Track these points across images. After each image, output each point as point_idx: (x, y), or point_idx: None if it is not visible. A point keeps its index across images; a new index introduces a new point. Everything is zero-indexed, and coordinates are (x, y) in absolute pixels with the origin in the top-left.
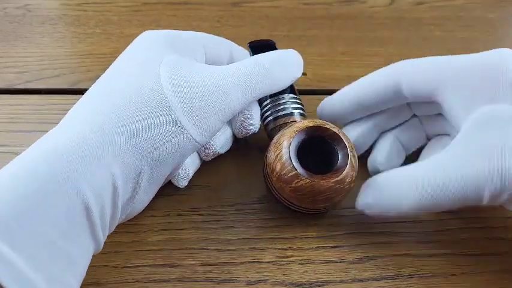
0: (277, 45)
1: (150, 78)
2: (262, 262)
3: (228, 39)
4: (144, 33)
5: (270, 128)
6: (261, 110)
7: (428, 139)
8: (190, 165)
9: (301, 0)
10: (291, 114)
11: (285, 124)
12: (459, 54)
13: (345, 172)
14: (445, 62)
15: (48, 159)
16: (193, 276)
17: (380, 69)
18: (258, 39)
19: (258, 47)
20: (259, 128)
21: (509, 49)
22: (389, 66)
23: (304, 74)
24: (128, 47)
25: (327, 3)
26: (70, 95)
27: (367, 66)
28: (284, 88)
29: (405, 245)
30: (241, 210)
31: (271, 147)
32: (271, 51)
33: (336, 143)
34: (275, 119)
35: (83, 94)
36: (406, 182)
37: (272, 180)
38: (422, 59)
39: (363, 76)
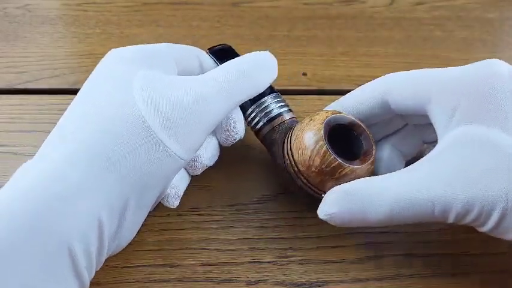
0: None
1: (124, 100)
2: (262, 262)
3: (228, 39)
4: (110, 51)
5: (265, 132)
6: (248, 116)
7: (426, 142)
8: (179, 183)
9: (301, 0)
10: (281, 114)
11: (279, 125)
12: (459, 54)
13: (374, 153)
14: (430, 76)
15: (25, 199)
16: (193, 276)
17: (366, 84)
18: (214, 45)
19: (219, 52)
20: (245, 132)
21: (498, 62)
22: (375, 80)
23: (304, 74)
24: (96, 68)
25: (327, 3)
26: (70, 95)
27: (367, 66)
28: (264, 90)
29: (405, 245)
30: (241, 210)
31: (299, 145)
32: (246, 55)
33: (356, 129)
34: (268, 122)
35: None
36: (375, 195)
37: (310, 176)
38: (408, 72)
39: (362, 76)
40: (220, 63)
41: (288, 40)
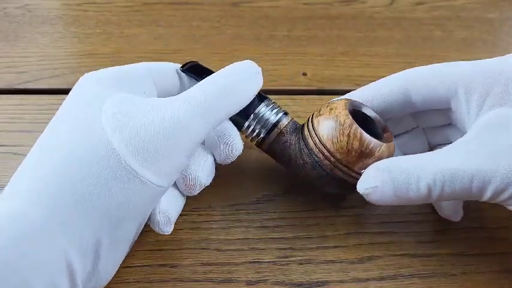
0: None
1: (93, 127)
2: (262, 262)
3: (228, 39)
4: (84, 76)
5: (270, 141)
6: (245, 131)
7: (431, 148)
8: (170, 208)
9: (301, 0)
10: (280, 120)
11: (283, 131)
12: (459, 54)
13: (391, 130)
14: (455, 67)
15: None
16: (193, 276)
17: (389, 76)
18: (185, 62)
19: (194, 69)
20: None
21: None
22: (398, 73)
23: (304, 74)
24: (70, 92)
25: (327, 3)
26: None
27: (367, 66)
28: (253, 99)
29: (405, 245)
30: (241, 210)
31: (332, 134)
32: (225, 68)
33: (365, 109)
34: (269, 132)
35: None
36: (418, 166)
37: (350, 162)
38: (431, 66)
39: (362, 76)
40: (200, 79)
41: (288, 40)
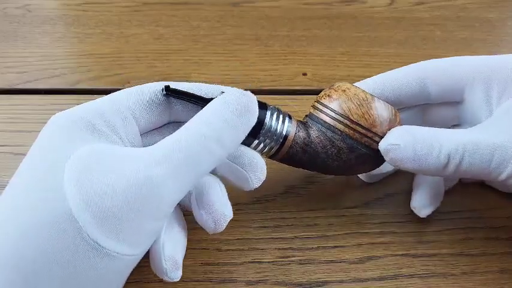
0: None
1: (53, 192)
2: (262, 262)
3: (229, 39)
4: (52, 118)
5: (285, 150)
6: (256, 147)
7: None
8: (175, 251)
9: (301, 0)
10: (289, 127)
11: (298, 136)
12: (459, 54)
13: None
14: (472, 60)
15: None
16: (193, 276)
17: (405, 66)
18: (167, 85)
19: (175, 91)
20: None
21: None
22: (414, 64)
23: (304, 74)
24: (36, 140)
25: (327, 3)
26: (70, 95)
27: (367, 66)
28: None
29: (405, 245)
30: (241, 210)
31: (362, 111)
32: (213, 102)
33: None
34: (281, 144)
35: (83, 94)
36: (441, 134)
37: (384, 132)
38: (447, 58)
39: (363, 76)
40: (186, 97)
41: (288, 40)
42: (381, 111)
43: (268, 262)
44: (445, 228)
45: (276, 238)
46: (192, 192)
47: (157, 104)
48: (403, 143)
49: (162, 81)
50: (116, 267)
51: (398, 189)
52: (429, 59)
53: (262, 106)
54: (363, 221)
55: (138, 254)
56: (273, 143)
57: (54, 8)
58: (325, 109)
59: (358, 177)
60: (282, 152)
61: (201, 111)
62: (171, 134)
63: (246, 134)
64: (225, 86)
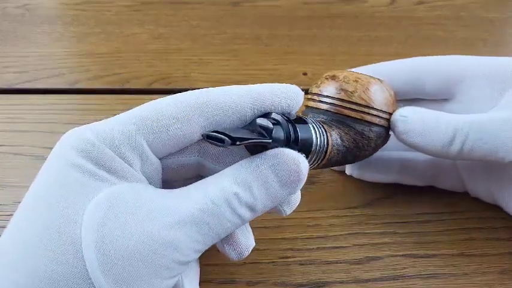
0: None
1: (70, 249)
2: (263, 263)
3: (229, 38)
4: (62, 140)
5: (327, 159)
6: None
7: None
8: (192, 286)
9: (302, 0)
10: (327, 138)
11: (334, 144)
12: (459, 54)
13: None
14: (471, 58)
15: None
16: None
17: (401, 60)
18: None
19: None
20: None
21: None
22: (411, 58)
23: (304, 73)
24: (45, 165)
25: (328, 3)
26: (69, 95)
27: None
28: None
29: (406, 245)
30: None
31: (383, 98)
32: (265, 159)
33: None
34: (324, 156)
35: (82, 94)
36: (449, 115)
37: (395, 110)
38: (442, 56)
39: None
40: (248, 136)
41: (289, 40)
42: (392, 92)
43: (269, 263)
44: (446, 228)
45: (277, 239)
46: None
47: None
48: (410, 116)
49: (161, 80)
50: None
51: (398, 189)
52: None
53: (303, 122)
54: (363, 222)
55: None
56: (319, 159)
57: (54, 7)
58: (346, 104)
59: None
60: (323, 162)
61: (240, 162)
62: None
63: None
64: (261, 84)
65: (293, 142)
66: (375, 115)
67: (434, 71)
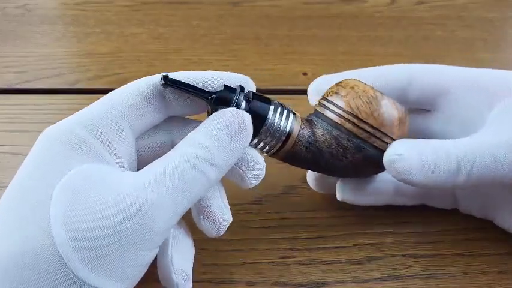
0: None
1: (38, 226)
2: (263, 263)
3: (228, 38)
4: (44, 132)
5: (288, 148)
6: (257, 145)
7: None
8: (185, 263)
9: (302, 0)
10: (293, 124)
11: (301, 134)
12: (460, 54)
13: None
14: (454, 70)
15: None
16: (193, 276)
17: (386, 66)
18: (165, 75)
19: (174, 81)
20: None
21: None
22: (395, 65)
23: (304, 73)
24: (26, 159)
25: (327, 3)
26: (69, 95)
27: (368, 66)
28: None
29: (406, 245)
30: (241, 210)
31: (371, 109)
32: (206, 121)
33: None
34: (283, 142)
35: (82, 94)
36: (446, 143)
37: (394, 132)
38: (429, 65)
39: None
40: (186, 88)
41: (288, 39)
42: (391, 110)
43: (268, 263)
44: (446, 228)
45: (276, 239)
46: None
47: (153, 100)
48: (407, 152)
49: None
50: None
51: None
52: (430, 58)
53: (266, 101)
54: (363, 222)
55: (128, 286)
56: (274, 141)
57: (53, 7)
58: (331, 106)
59: None
60: (284, 150)
61: (192, 132)
62: (163, 137)
63: (240, 155)
64: (225, 72)
65: (238, 107)
66: (358, 126)
67: (419, 80)
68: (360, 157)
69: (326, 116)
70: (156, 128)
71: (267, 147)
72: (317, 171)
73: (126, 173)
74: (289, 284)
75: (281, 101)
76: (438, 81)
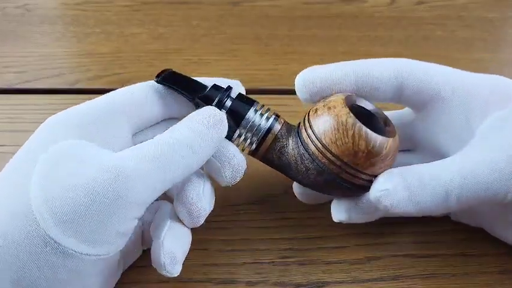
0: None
1: (19, 187)
2: (263, 263)
3: (228, 38)
4: (44, 122)
5: (265, 148)
6: (237, 140)
7: None
8: (175, 246)
9: (302, 0)
10: (273, 125)
11: (277, 138)
12: (460, 54)
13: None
14: (452, 71)
15: None
16: (193, 276)
17: (382, 59)
18: (160, 71)
19: (169, 78)
20: None
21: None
22: (392, 59)
23: None
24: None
25: (327, 3)
26: (69, 95)
27: None
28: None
29: (406, 245)
30: (241, 210)
31: (335, 136)
32: (187, 117)
33: (362, 103)
34: (261, 140)
35: (82, 94)
36: (432, 170)
37: (359, 164)
38: (427, 63)
39: None
40: (179, 89)
41: (288, 39)
42: (360, 140)
43: (269, 263)
44: (446, 228)
45: (277, 239)
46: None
47: (153, 100)
48: (392, 186)
49: None
50: (83, 268)
51: None
52: (430, 58)
53: (250, 101)
54: (363, 222)
55: (103, 254)
56: (253, 137)
57: (54, 7)
58: (306, 123)
59: None
60: (261, 150)
61: (177, 124)
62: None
63: (217, 144)
64: (220, 78)
65: (219, 106)
66: (317, 147)
67: (414, 78)
68: (321, 180)
69: (300, 131)
70: (154, 126)
71: (247, 142)
72: (289, 178)
73: (109, 150)
74: (289, 284)
75: (281, 101)
76: (429, 83)
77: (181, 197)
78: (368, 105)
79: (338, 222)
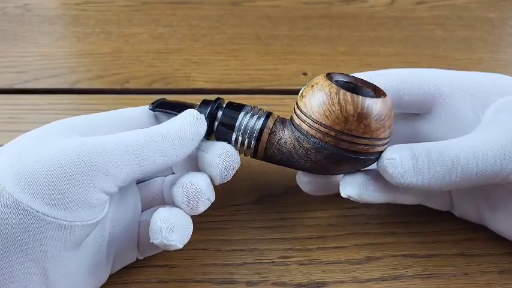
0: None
1: None
2: (263, 263)
3: (229, 38)
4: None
5: (264, 147)
6: (236, 145)
7: None
8: (172, 218)
9: (302, 0)
10: (265, 123)
11: (273, 132)
12: (460, 54)
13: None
14: (446, 72)
15: None
16: (193, 277)
17: (377, 71)
18: (154, 101)
19: (163, 105)
20: None
21: None
22: (386, 71)
23: (304, 73)
24: None
25: (327, 3)
26: (69, 95)
27: (368, 66)
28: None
29: (406, 245)
30: (241, 210)
31: (324, 108)
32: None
33: (345, 78)
34: (258, 140)
35: (82, 94)
36: (439, 145)
37: (352, 129)
38: (418, 69)
39: None
40: (175, 112)
41: (289, 39)
42: (347, 105)
43: (269, 263)
44: (446, 228)
45: (277, 239)
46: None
47: (149, 121)
48: (399, 157)
49: (161, 80)
50: (31, 224)
51: None
52: (430, 58)
53: (239, 106)
54: (363, 222)
55: (61, 218)
56: (250, 138)
57: (54, 7)
58: (296, 109)
59: None
60: (260, 149)
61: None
62: None
63: (198, 139)
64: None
65: (211, 118)
66: (309, 124)
67: (410, 85)
68: (321, 157)
69: (292, 118)
70: None
71: (245, 145)
72: (295, 169)
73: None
74: (289, 284)
75: (281, 101)
76: (429, 86)
77: (179, 180)
78: (352, 78)
79: (337, 222)
